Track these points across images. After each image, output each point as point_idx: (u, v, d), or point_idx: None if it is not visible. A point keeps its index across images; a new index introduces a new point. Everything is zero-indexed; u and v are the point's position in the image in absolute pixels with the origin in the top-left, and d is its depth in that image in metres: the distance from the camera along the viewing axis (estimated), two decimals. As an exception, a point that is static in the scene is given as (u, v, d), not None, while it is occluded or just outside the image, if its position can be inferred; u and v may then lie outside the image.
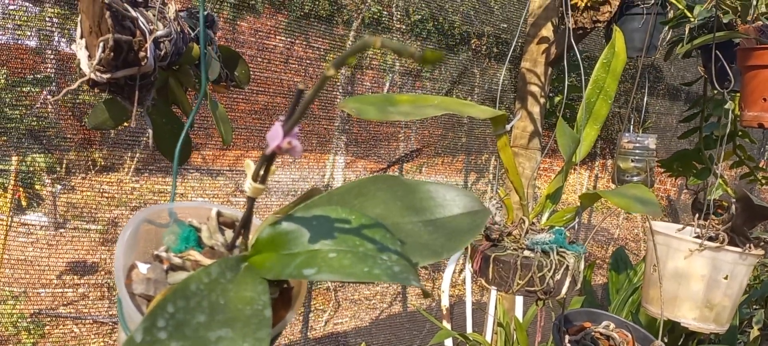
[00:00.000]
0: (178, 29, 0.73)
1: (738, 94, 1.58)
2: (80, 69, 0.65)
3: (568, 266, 0.97)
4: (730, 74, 1.44)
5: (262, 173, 0.37)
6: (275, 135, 0.34)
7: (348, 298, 3.16)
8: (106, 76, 0.65)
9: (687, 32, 1.57)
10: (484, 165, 3.14)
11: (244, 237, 0.42)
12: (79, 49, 0.65)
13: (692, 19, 1.54)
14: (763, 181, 1.97)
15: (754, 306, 2.47)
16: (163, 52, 0.70)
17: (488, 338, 1.95)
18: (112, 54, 0.64)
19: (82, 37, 0.64)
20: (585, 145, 1.02)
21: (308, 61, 1.93)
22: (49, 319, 1.90)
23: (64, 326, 1.94)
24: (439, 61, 0.29)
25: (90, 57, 0.64)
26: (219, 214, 0.49)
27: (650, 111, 2.98)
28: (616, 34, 1.00)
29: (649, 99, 2.93)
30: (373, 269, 0.35)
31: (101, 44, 0.63)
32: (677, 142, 3.13)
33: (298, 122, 0.34)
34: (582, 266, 1.00)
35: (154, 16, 0.69)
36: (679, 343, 2.09)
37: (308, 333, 2.46)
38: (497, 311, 1.93)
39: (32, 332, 1.90)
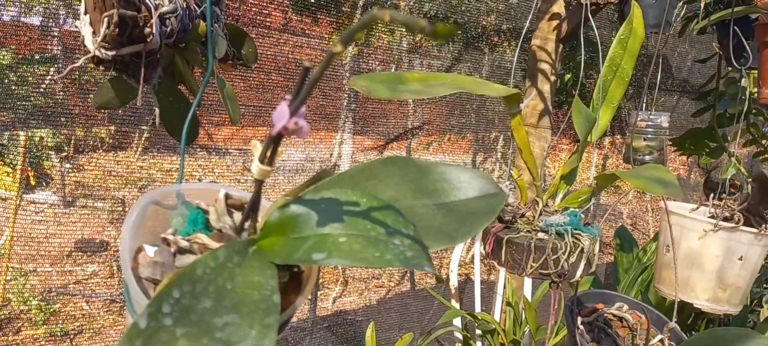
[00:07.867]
0: (184, 5, 0.72)
1: (754, 72, 1.54)
2: (85, 46, 0.64)
3: (583, 249, 0.95)
4: (748, 50, 1.40)
5: (269, 154, 0.36)
6: (281, 115, 0.33)
7: (356, 276, 3.17)
8: (111, 53, 0.64)
9: (702, 8, 1.53)
10: (492, 144, 3.12)
11: (253, 220, 0.41)
12: (84, 26, 0.64)
13: (708, -5, 1.51)
14: (777, 160, 1.94)
15: (765, 286, 2.45)
16: (169, 29, 0.68)
17: (497, 317, 1.94)
18: (116, 30, 0.62)
19: (86, 13, 0.63)
20: (600, 127, 1.00)
21: (317, 41, 1.92)
22: (59, 296, 1.91)
23: (73, 303, 1.95)
24: (451, 35, 0.28)
25: (94, 33, 0.63)
26: (227, 196, 0.48)
27: (661, 90, 2.95)
28: (635, 10, 0.96)
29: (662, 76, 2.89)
30: (384, 253, 0.34)
31: (105, 20, 0.62)
32: (685, 123, 3.09)
33: (304, 102, 0.32)
34: (597, 248, 0.99)
35: (159, -9, 0.67)
36: (688, 322, 2.08)
37: (316, 312, 2.47)
38: (506, 291, 1.92)
39: (43, 309, 1.91)
